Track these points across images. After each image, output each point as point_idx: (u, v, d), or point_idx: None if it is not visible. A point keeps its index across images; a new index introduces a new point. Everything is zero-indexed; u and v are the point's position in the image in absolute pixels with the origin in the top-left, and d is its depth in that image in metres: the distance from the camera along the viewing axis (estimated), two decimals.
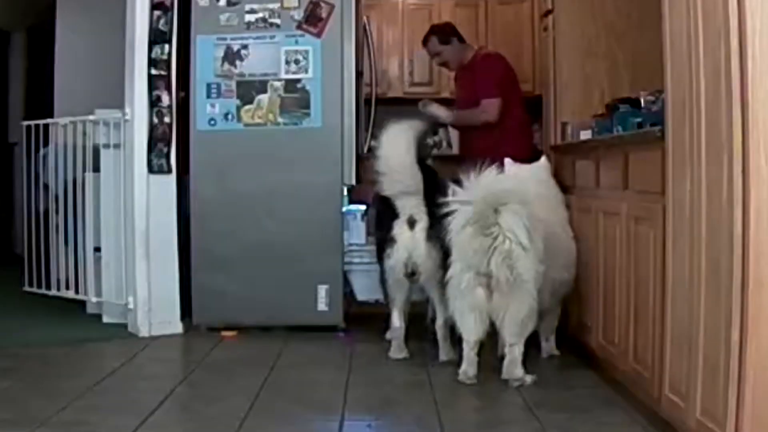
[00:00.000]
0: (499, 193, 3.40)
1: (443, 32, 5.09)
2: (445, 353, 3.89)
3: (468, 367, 3.50)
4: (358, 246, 4.77)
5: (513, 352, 3.46)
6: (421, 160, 3.90)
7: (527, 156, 4.36)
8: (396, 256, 3.84)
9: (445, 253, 3.63)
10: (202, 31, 4.56)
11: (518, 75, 6.87)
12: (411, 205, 3.82)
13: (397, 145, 3.78)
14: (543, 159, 4.15)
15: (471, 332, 3.48)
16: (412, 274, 3.85)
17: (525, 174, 3.92)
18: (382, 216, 3.97)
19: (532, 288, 3.41)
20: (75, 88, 6.17)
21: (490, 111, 4.78)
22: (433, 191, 3.74)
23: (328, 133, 4.54)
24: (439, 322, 3.89)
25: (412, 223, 3.83)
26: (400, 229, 3.84)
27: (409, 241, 3.82)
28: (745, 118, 2.15)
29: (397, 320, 3.98)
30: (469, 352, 3.49)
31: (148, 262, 4.48)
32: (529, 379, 3.46)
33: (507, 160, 3.94)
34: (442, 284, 3.62)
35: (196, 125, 4.59)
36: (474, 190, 3.40)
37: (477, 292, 3.42)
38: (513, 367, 3.46)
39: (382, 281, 4.00)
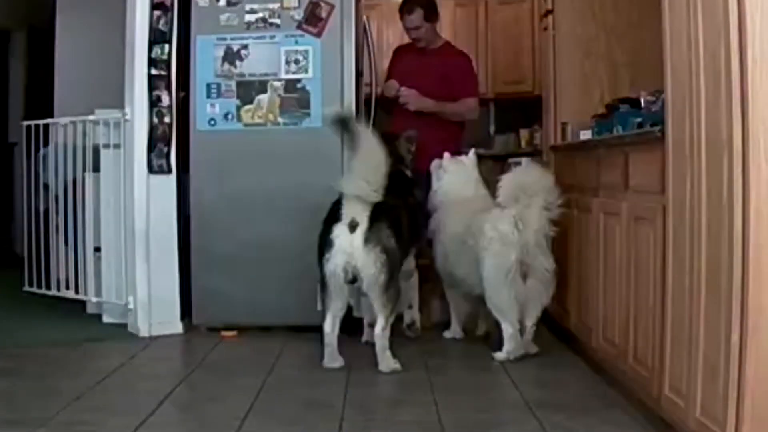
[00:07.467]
0: (529, 185, 3.82)
1: (431, 8, 5.00)
2: (385, 365, 3.68)
3: (518, 348, 3.83)
4: None
5: (532, 331, 3.91)
6: (398, 170, 4.05)
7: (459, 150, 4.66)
8: (334, 261, 3.61)
9: (390, 257, 3.62)
10: (202, 31, 4.55)
11: (518, 75, 6.99)
12: (357, 210, 3.61)
13: (379, 147, 3.65)
14: (472, 152, 4.46)
15: (516, 317, 3.83)
16: (353, 280, 3.64)
17: (464, 164, 4.39)
18: (325, 220, 3.74)
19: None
20: (75, 88, 6.16)
21: (476, 109, 5.03)
22: (407, 193, 4.06)
23: (328, 133, 4.50)
24: (378, 330, 3.68)
25: (353, 227, 3.60)
26: (339, 232, 3.62)
27: (348, 245, 3.59)
28: (745, 118, 2.15)
29: (329, 326, 3.70)
30: (516, 334, 3.83)
31: (148, 262, 4.48)
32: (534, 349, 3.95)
33: (446, 154, 4.40)
34: (386, 289, 3.63)
35: (196, 125, 4.59)
36: (509, 184, 3.88)
37: (518, 280, 3.80)
38: (530, 343, 3.92)
39: (322, 286, 3.73)
